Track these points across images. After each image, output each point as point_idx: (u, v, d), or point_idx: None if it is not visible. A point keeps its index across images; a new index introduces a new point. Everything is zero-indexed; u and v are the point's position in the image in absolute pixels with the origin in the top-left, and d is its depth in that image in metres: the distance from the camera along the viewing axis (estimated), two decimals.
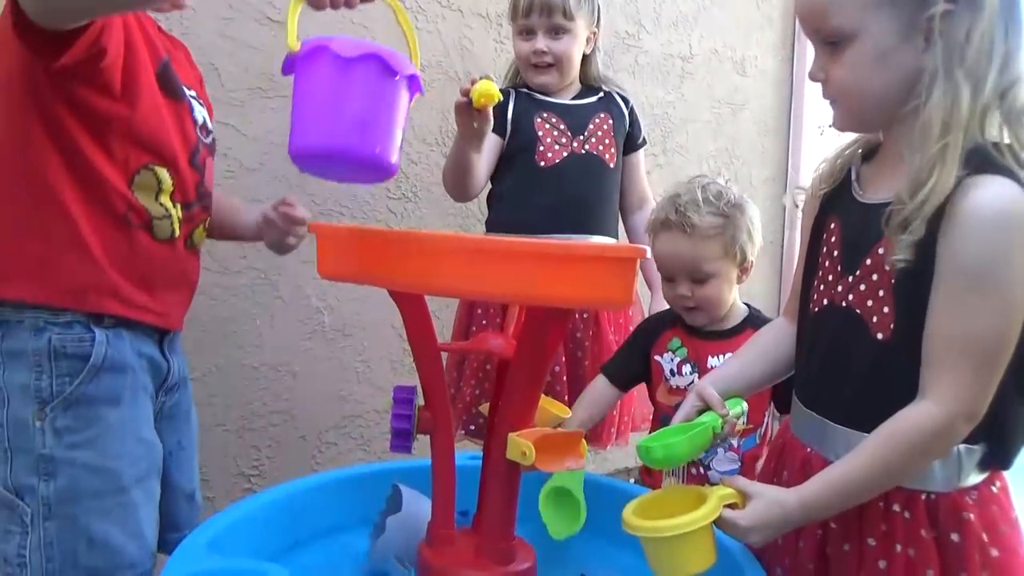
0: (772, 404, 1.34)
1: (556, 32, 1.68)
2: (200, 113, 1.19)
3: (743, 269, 1.35)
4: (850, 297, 0.94)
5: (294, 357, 1.96)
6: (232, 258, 1.83)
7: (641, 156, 1.86)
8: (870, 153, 1.00)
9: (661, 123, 2.64)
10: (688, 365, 1.36)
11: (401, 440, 1.03)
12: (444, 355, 1.62)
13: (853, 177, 1.00)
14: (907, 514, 0.91)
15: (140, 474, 1.07)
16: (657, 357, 1.39)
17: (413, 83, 0.93)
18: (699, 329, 1.38)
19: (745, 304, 1.41)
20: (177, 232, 1.12)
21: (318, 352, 1.99)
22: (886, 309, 0.90)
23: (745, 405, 1.08)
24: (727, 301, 1.35)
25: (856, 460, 0.88)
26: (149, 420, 1.11)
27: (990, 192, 0.83)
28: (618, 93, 1.83)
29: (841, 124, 0.97)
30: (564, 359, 1.68)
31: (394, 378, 2.04)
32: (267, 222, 1.34)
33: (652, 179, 2.63)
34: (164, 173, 1.09)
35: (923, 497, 0.91)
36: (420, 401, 1.05)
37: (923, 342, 0.87)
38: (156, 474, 1.12)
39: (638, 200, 1.84)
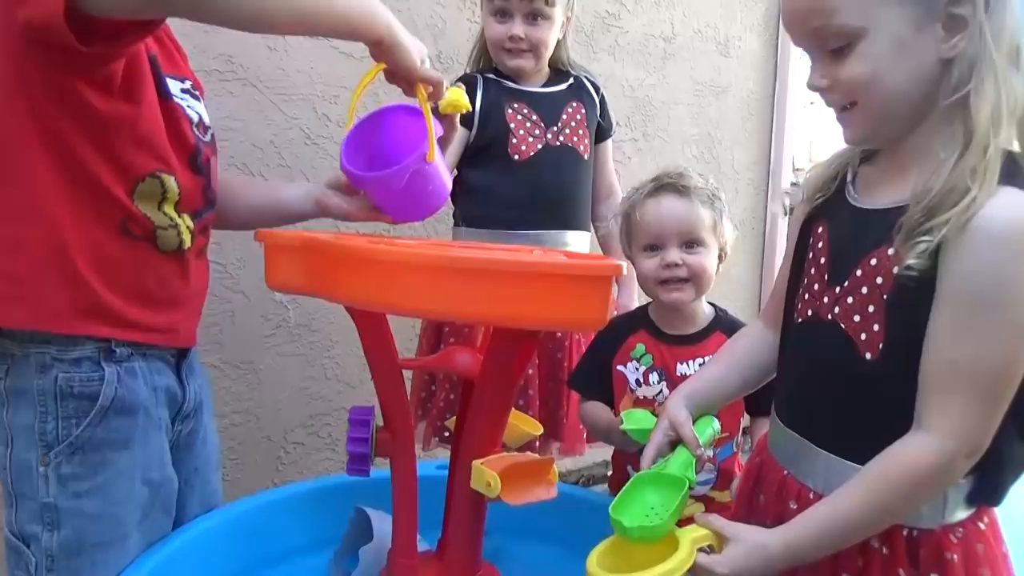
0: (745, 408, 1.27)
1: (534, 17, 1.59)
2: (195, 109, 1.06)
3: (719, 258, 1.28)
4: (836, 311, 0.86)
5: (257, 354, 1.87)
6: None
7: (610, 145, 1.80)
8: (870, 155, 0.92)
9: (642, 106, 2.55)
10: (655, 373, 1.28)
11: (358, 464, 0.95)
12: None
13: (848, 178, 0.91)
14: (885, 550, 0.84)
15: (143, 515, 1.00)
16: (620, 367, 1.30)
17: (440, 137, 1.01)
18: (665, 334, 1.29)
19: (710, 304, 1.33)
20: (188, 243, 1.01)
21: (282, 348, 1.91)
22: (876, 327, 0.82)
23: (717, 425, 1.01)
24: (711, 281, 1.27)
25: (847, 499, 0.81)
26: (161, 457, 1.02)
27: (1015, 206, 0.74)
28: (588, 79, 1.75)
29: (858, 133, 0.86)
30: (537, 381, 1.61)
31: (364, 375, 1.96)
32: (323, 207, 1.18)
33: (633, 164, 2.58)
34: (171, 181, 0.97)
35: (904, 533, 0.83)
36: (379, 422, 0.98)
37: (921, 367, 0.79)
38: (165, 511, 1.03)
39: (606, 191, 1.78)
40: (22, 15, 0.81)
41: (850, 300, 0.84)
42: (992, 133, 0.75)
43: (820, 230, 0.92)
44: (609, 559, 0.84)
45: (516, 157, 1.61)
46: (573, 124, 1.67)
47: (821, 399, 0.88)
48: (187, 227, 1.01)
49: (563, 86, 1.70)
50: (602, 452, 2.53)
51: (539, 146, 1.62)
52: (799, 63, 3.01)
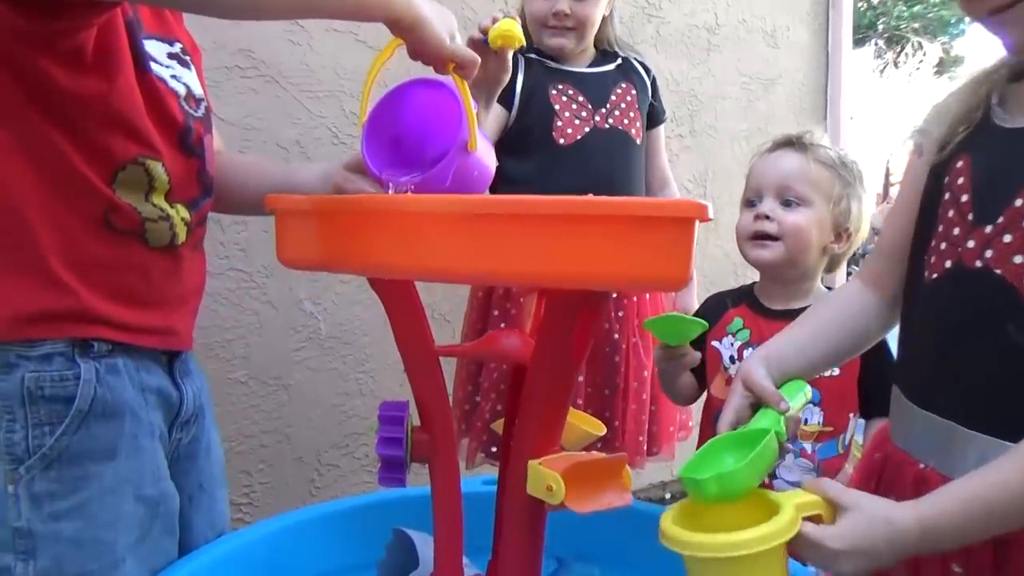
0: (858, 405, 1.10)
1: None
2: (183, 80, 0.91)
3: (837, 235, 1.15)
4: (987, 255, 0.72)
5: (286, 369, 1.75)
6: (212, 259, 1.59)
7: (663, 132, 1.68)
8: (1020, 72, 0.76)
9: (687, 101, 2.41)
10: (751, 350, 1.13)
11: (391, 471, 0.80)
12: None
13: (994, 102, 0.77)
14: None
15: (138, 537, 0.85)
16: (715, 343, 1.18)
17: (453, 106, 0.84)
18: (767, 308, 1.16)
19: (827, 288, 1.20)
20: (182, 237, 0.89)
21: (313, 363, 1.78)
22: None
23: (809, 391, 0.84)
24: (810, 252, 1.13)
25: (1005, 471, 0.65)
26: (157, 470, 0.88)
27: None
28: (637, 60, 1.63)
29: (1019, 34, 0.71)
30: (588, 390, 1.47)
31: (401, 391, 1.83)
32: (341, 192, 1.03)
33: (680, 162, 2.43)
34: (158, 168, 0.84)
35: None
36: (415, 421, 0.83)
37: None
38: (167, 532, 0.89)
39: (660, 181, 1.66)
40: None
41: (1007, 239, 0.70)
42: None
43: (960, 165, 0.77)
44: (689, 520, 0.68)
45: (562, 141, 1.48)
46: (623, 106, 1.54)
47: (973, 368, 0.73)
48: (181, 219, 0.88)
49: (611, 66, 1.58)
50: (660, 472, 2.35)
51: (586, 129, 1.50)
52: (851, 53, 2.86)
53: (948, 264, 0.76)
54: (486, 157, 0.87)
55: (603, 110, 1.52)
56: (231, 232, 1.65)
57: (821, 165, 1.13)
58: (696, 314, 1.25)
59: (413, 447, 0.81)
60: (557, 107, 1.49)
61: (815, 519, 0.67)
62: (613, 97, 1.55)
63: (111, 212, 0.82)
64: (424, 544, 0.94)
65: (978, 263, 0.73)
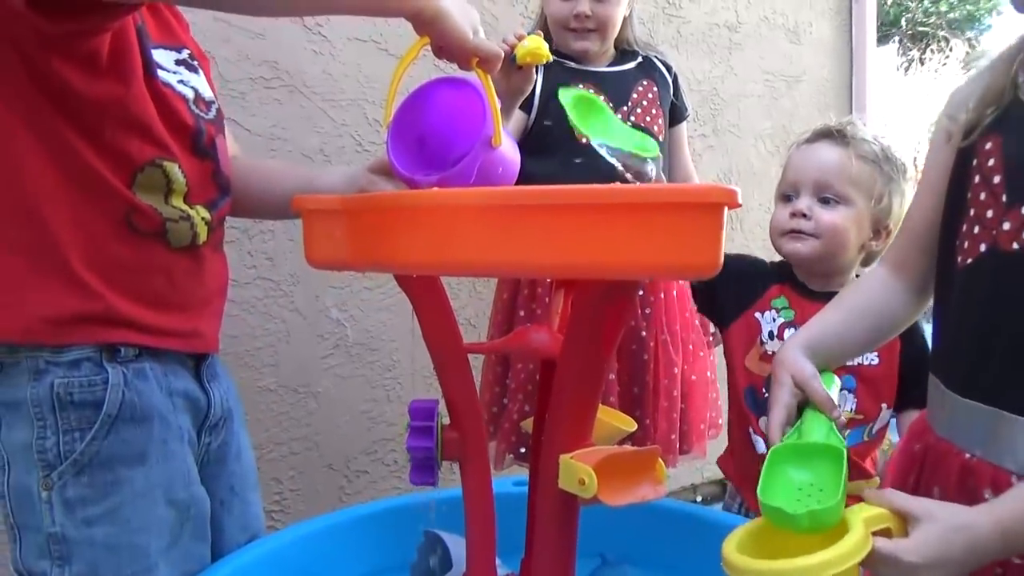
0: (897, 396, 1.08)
1: None
2: (191, 84, 0.93)
3: (876, 232, 1.12)
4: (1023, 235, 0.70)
5: (315, 377, 1.75)
6: (239, 268, 1.63)
7: (684, 129, 1.66)
8: None
9: (709, 100, 2.40)
10: (792, 330, 1.11)
11: (422, 471, 0.80)
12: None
13: (1021, 80, 0.75)
14: None
15: (170, 542, 0.86)
16: (758, 314, 1.15)
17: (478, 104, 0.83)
18: (810, 290, 1.13)
19: None
20: (203, 237, 0.90)
21: (341, 370, 1.78)
22: None
23: (838, 383, 0.84)
24: (847, 251, 1.10)
25: None
26: (187, 474, 0.89)
27: None
28: (658, 58, 1.62)
29: None
30: (618, 388, 1.45)
31: (430, 396, 1.83)
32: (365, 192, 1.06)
33: (703, 161, 2.41)
34: (175, 169, 0.86)
35: None
36: (445, 420, 0.83)
37: None
38: (199, 537, 0.90)
39: (682, 179, 1.64)
40: None
41: None
42: None
43: (989, 146, 0.75)
44: (752, 546, 0.66)
45: (585, 141, 1.47)
46: (645, 103, 1.53)
47: (1016, 352, 0.71)
48: (202, 219, 0.90)
49: (631, 65, 1.57)
50: (691, 475, 2.32)
51: None
52: (875, 49, 2.83)
53: (983, 248, 0.74)
54: (510, 153, 0.87)
55: (624, 108, 1.52)
56: (257, 241, 1.66)
57: (863, 161, 1.09)
58: (731, 274, 1.22)
59: (444, 446, 0.80)
60: None
61: (884, 533, 0.65)
62: (635, 95, 1.54)
63: (133, 213, 0.83)
64: (456, 546, 0.94)
65: (1015, 245, 0.71)
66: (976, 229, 0.75)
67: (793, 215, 1.10)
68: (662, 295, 1.50)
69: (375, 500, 1.79)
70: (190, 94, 0.91)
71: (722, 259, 0.61)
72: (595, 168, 1.45)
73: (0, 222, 0.80)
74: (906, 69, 10.10)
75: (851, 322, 0.86)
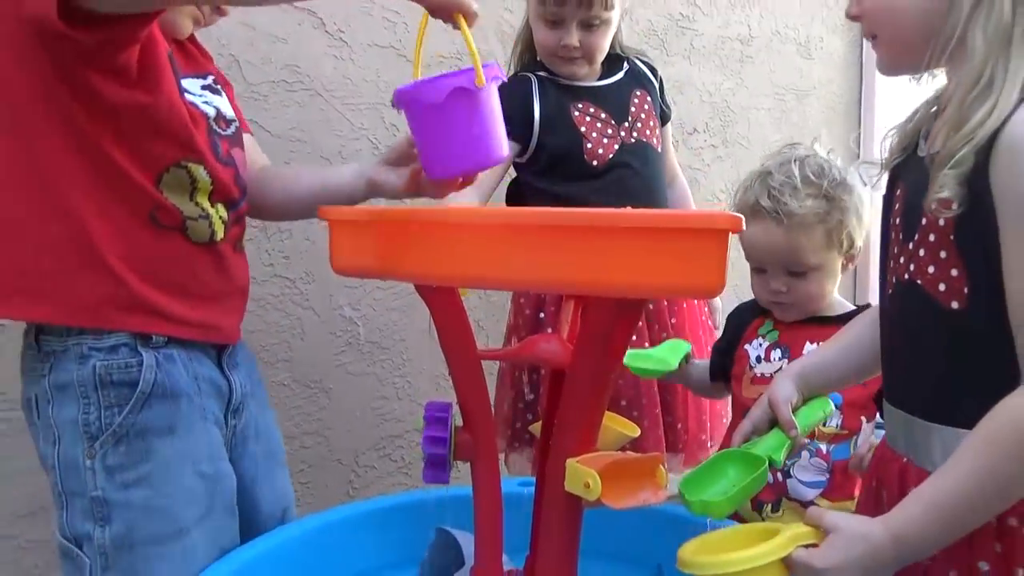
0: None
1: (591, 24, 1.45)
2: (213, 104, 1.03)
3: (849, 257, 1.15)
4: (911, 268, 0.80)
5: (327, 373, 1.80)
6: (256, 266, 1.68)
7: (669, 129, 1.69)
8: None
9: (720, 112, 2.43)
10: (778, 350, 1.16)
11: (436, 470, 0.84)
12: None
13: (921, 136, 0.85)
14: None
15: (201, 513, 0.95)
16: (747, 346, 1.20)
17: (493, 78, 0.93)
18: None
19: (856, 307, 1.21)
20: (220, 235, 0.99)
21: (352, 367, 1.83)
22: (954, 271, 0.76)
23: (831, 407, 0.92)
24: (828, 295, 1.15)
25: (953, 473, 0.70)
26: (213, 450, 0.99)
27: None
28: (642, 61, 1.63)
29: (883, 61, 0.87)
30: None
31: (436, 395, 1.87)
32: (373, 185, 1.13)
33: (712, 172, 2.45)
34: (201, 171, 0.96)
35: None
36: (458, 422, 0.87)
37: (1009, 310, 0.71)
38: (226, 510, 1.00)
39: (670, 176, 1.67)
40: (24, 11, 0.81)
41: (922, 252, 0.78)
42: (990, 54, 0.73)
43: (898, 192, 0.86)
44: (705, 550, 0.75)
45: (595, 163, 1.49)
46: (643, 116, 1.56)
47: (921, 368, 0.81)
48: (220, 218, 0.99)
49: (621, 74, 1.58)
50: None
51: (616, 147, 1.51)
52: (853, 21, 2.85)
53: (894, 280, 0.84)
54: (495, 101, 0.92)
55: (626, 124, 1.53)
56: (275, 240, 1.71)
57: (808, 229, 1.09)
58: (728, 324, 1.28)
59: (457, 447, 0.85)
60: (583, 129, 1.50)
61: (814, 546, 0.73)
62: (632, 108, 1.55)
63: (157, 210, 0.93)
64: (467, 543, 0.98)
65: (906, 276, 0.80)
66: (892, 264, 0.85)
67: (772, 291, 1.14)
68: (684, 305, 1.54)
69: (382, 495, 1.85)
70: (212, 112, 1.02)
71: (726, 280, 0.65)
72: (610, 193, 1.49)
73: (41, 220, 0.89)
74: (918, 80, 10.08)
75: (847, 353, 0.96)
